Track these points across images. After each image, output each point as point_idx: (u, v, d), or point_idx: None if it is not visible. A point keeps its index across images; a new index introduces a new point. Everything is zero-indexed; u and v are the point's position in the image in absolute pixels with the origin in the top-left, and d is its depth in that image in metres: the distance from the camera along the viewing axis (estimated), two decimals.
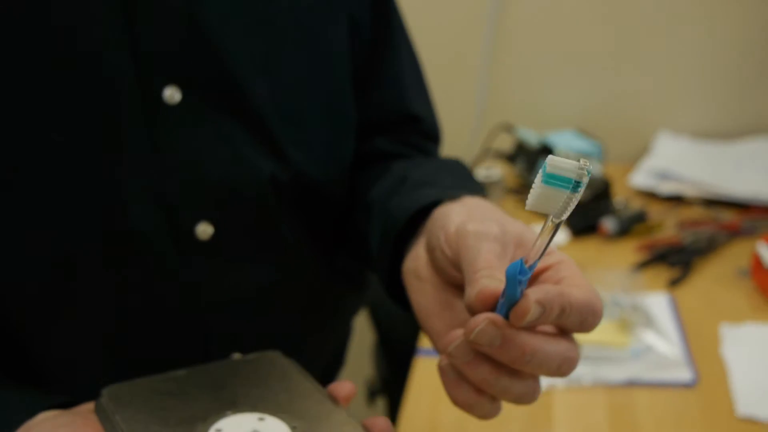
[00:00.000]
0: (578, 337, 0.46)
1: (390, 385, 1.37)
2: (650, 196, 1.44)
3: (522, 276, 0.40)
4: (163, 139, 0.52)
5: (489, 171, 1.47)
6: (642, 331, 1.00)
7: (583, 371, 0.94)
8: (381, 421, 0.46)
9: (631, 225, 1.32)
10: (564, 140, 1.53)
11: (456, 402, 0.47)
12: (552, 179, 0.35)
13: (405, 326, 1.26)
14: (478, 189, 0.57)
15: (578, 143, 1.52)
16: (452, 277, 0.50)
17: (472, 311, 0.43)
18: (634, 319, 1.01)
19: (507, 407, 0.69)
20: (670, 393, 0.91)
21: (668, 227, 1.32)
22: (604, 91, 1.62)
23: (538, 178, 0.35)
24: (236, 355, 0.52)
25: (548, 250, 0.44)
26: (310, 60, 0.58)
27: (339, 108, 0.60)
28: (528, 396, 0.47)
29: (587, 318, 0.43)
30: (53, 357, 0.54)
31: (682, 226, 1.31)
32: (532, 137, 1.47)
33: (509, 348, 0.42)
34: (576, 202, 0.36)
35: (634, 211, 1.34)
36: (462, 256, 0.47)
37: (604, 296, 1.07)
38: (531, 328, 0.43)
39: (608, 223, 1.30)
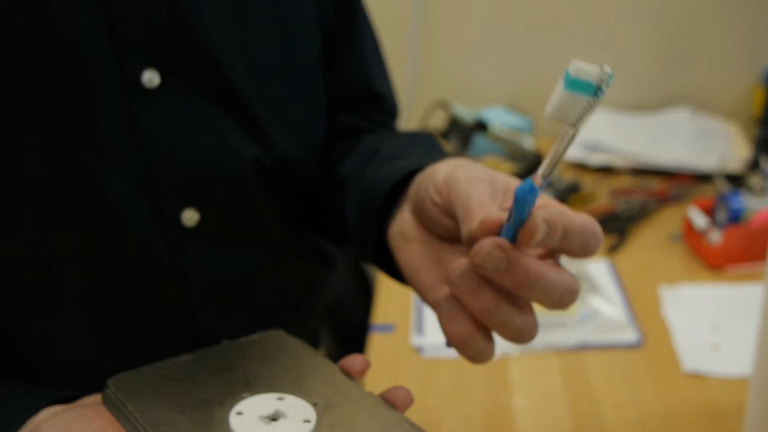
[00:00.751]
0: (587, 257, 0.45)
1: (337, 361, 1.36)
2: (581, 167, 1.48)
3: (531, 195, 0.39)
4: (144, 125, 0.51)
5: None
6: (588, 297, 1.03)
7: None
8: (402, 391, 0.45)
9: (566, 196, 1.35)
10: (496, 116, 1.55)
11: (451, 337, 0.46)
12: (574, 85, 0.35)
13: (355, 306, 1.27)
14: (448, 157, 0.58)
15: (510, 119, 1.55)
16: (443, 228, 0.49)
17: (473, 243, 0.42)
18: (580, 286, 1.04)
19: (464, 377, 0.70)
20: (619, 354, 0.94)
21: (601, 197, 1.36)
22: (532, 67, 1.65)
23: (560, 85, 0.35)
24: (225, 342, 0.51)
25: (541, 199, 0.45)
26: (282, 41, 0.57)
27: (311, 89, 0.60)
28: (526, 332, 0.46)
29: (589, 240, 0.43)
30: (39, 351, 0.51)
31: (614, 195, 1.35)
32: (466, 114, 1.48)
33: (515, 271, 0.41)
34: (594, 110, 0.36)
35: (567, 183, 1.38)
36: (454, 200, 0.46)
37: None
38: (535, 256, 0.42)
39: (544, 195, 1.33)
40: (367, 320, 1.05)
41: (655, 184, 1.38)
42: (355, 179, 0.59)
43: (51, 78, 0.47)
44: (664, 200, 1.33)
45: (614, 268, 1.12)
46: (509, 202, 0.46)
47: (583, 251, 0.43)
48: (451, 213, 0.47)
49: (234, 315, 0.57)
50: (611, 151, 1.47)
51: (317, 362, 0.49)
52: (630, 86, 1.65)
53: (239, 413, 0.42)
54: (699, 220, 1.14)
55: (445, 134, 1.54)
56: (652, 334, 0.97)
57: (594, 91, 0.36)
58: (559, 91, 0.35)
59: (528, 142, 1.45)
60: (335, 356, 1.43)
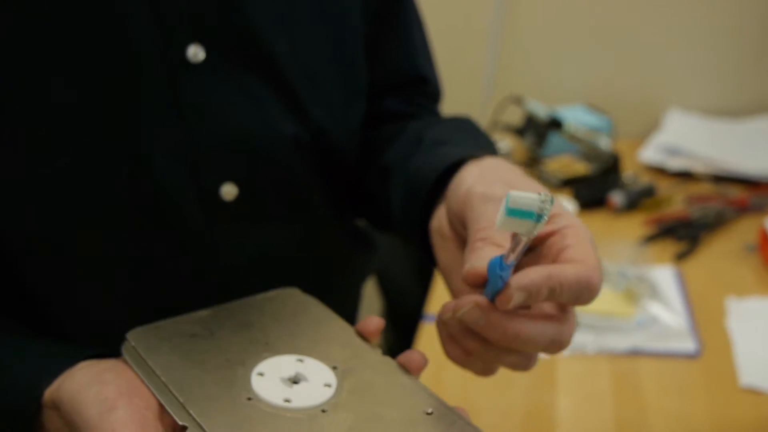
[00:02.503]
0: (585, 306, 0.46)
1: (397, 353, 1.38)
2: (659, 171, 1.44)
3: (502, 272, 0.41)
4: (187, 99, 0.52)
5: (498, 144, 1.48)
6: (647, 302, 1.00)
7: (587, 340, 0.95)
8: (415, 355, 0.46)
9: (640, 199, 1.32)
10: (573, 115, 1.52)
11: (449, 357, 0.49)
12: (514, 213, 0.37)
13: (412, 294, 1.27)
14: (492, 146, 0.58)
15: (587, 118, 1.52)
16: (464, 239, 0.50)
17: (466, 283, 0.45)
18: (639, 291, 1.02)
19: (509, 373, 0.69)
20: (674, 363, 0.92)
21: (676, 202, 1.32)
22: (616, 67, 1.61)
23: (501, 209, 0.37)
24: (243, 298, 0.51)
25: (559, 212, 0.47)
26: (325, 21, 0.58)
27: (353, 70, 0.60)
28: (521, 365, 0.48)
29: (581, 295, 0.43)
30: (71, 315, 0.53)
31: (690, 201, 1.31)
32: (541, 111, 1.46)
33: (493, 330, 0.43)
34: (542, 227, 0.37)
35: (642, 186, 1.34)
36: (466, 217, 0.48)
37: (611, 268, 1.07)
38: (520, 309, 0.44)
39: (616, 197, 1.30)
40: (421, 310, 1.05)
41: (735, 193, 1.33)
42: (400, 167, 0.59)
43: (97, 52, 0.48)
44: (742, 209, 1.28)
45: (680, 276, 1.09)
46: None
47: (576, 303, 0.44)
48: (467, 228, 0.48)
49: (268, 290, 0.58)
50: (691, 155, 1.42)
51: (334, 323, 0.49)
52: (714, 91, 1.59)
53: (260, 374, 0.43)
54: None
55: (521, 130, 1.52)
56: (711, 346, 0.94)
57: (535, 217, 0.37)
58: (501, 215, 0.37)
59: (605, 143, 1.41)
60: (391, 343, 1.44)
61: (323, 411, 0.41)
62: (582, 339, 0.95)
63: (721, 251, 1.17)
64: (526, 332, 0.44)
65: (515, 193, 0.36)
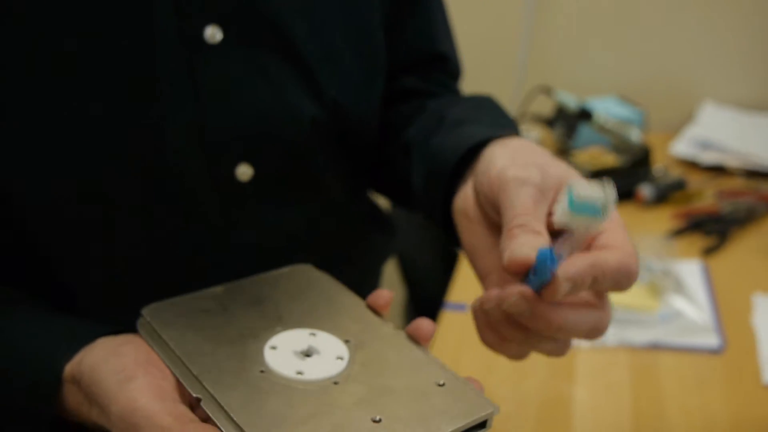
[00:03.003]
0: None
1: None
2: (691, 165, 1.42)
3: (552, 264, 0.41)
4: (204, 79, 0.52)
5: (527, 134, 1.46)
6: (671, 297, 0.99)
7: (607, 332, 0.94)
8: (424, 323, 0.46)
9: (669, 192, 1.30)
10: (605, 106, 1.51)
11: (484, 342, 0.49)
12: (579, 209, 0.36)
13: (434, 281, 1.27)
14: (514, 125, 0.57)
15: (619, 110, 1.50)
16: (496, 221, 0.50)
17: (507, 271, 0.45)
18: (664, 284, 1.01)
19: (527, 362, 0.70)
20: (696, 358, 0.90)
21: (707, 197, 1.30)
22: (649, 58, 1.59)
23: (564, 204, 0.35)
24: (256, 275, 0.52)
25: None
26: (342, 1, 0.58)
27: (370, 49, 0.60)
28: (557, 351, 0.49)
29: (621, 281, 0.44)
30: (86, 292, 0.54)
31: (721, 196, 1.29)
32: (571, 101, 1.45)
33: (538, 320, 0.44)
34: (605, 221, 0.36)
35: (673, 179, 1.32)
36: (501, 201, 0.47)
37: None
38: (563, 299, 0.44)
39: (645, 190, 1.29)
40: (442, 298, 1.05)
41: None
42: (421, 145, 0.59)
43: (115, 32, 0.49)
44: None
45: (707, 271, 1.08)
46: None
47: (615, 289, 0.44)
48: (499, 211, 0.48)
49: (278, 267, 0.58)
50: (724, 150, 1.40)
51: (346, 298, 0.50)
52: (749, 84, 1.56)
53: (273, 347, 0.44)
54: None
55: (550, 121, 1.51)
56: (735, 342, 0.93)
57: (600, 213, 0.36)
58: (563, 211, 0.36)
59: (636, 135, 1.40)
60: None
61: (335, 383, 0.42)
62: None
63: (750, 247, 1.15)
64: (570, 322, 0.44)
65: (579, 189, 0.36)
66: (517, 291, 0.43)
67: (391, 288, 1.35)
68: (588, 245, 0.45)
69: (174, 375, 0.42)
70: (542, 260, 0.41)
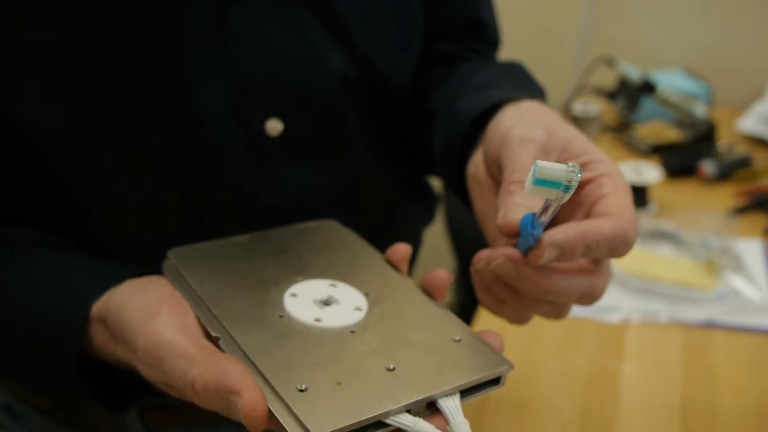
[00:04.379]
0: (661, 275, 0.45)
1: (469, 312, 1.37)
2: (758, 142, 1.37)
3: (533, 230, 0.41)
4: (235, 32, 0.51)
5: (587, 106, 1.43)
6: (729, 275, 0.96)
7: (660, 308, 0.92)
8: (440, 273, 0.46)
9: (733, 169, 1.26)
10: (669, 80, 1.46)
11: (482, 303, 0.49)
12: (541, 183, 0.36)
13: None
14: (539, 92, 0.56)
15: (685, 84, 1.46)
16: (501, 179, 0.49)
17: (501, 234, 0.44)
18: (721, 262, 0.98)
19: (575, 336, 0.68)
20: (751, 338, 0.88)
21: None
22: (717, 32, 1.54)
23: (530, 177, 0.36)
24: (282, 227, 0.52)
25: (594, 158, 0.46)
26: None
27: (408, 10, 0.59)
28: (554, 314, 0.48)
29: (617, 249, 0.43)
30: (108, 240, 0.54)
31: None
32: (635, 74, 1.41)
33: (525, 282, 0.44)
34: (570, 196, 0.37)
35: (738, 156, 1.28)
36: (503, 160, 0.47)
37: (693, 237, 1.03)
38: (554, 262, 0.43)
39: (708, 166, 1.25)
40: None
41: None
42: (444, 110, 0.58)
43: None
44: None
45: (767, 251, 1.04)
46: (567, 159, 0.46)
47: (611, 256, 0.44)
48: (501, 171, 0.48)
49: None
50: None
51: (369, 254, 0.50)
52: None
53: (293, 295, 0.44)
54: None
55: (612, 94, 1.47)
56: None
57: (563, 187, 0.36)
58: (528, 183, 0.37)
59: (701, 110, 1.35)
60: (463, 299, 1.43)
61: (352, 332, 0.42)
62: (655, 307, 0.92)
63: None
64: (559, 286, 0.44)
65: (543, 163, 0.36)
66: (503, 252, 0.43)
67: (442, 258, 1.35)
68: (587, 211, 0.45)
69: (195, 314, 0.42)
70: (523, 225, 0.42)
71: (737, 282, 0.95)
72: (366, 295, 0.45)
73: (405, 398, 0.37)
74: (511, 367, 0.40)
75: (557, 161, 0.46)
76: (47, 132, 0.49)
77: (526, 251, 0.43)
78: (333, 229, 0.53)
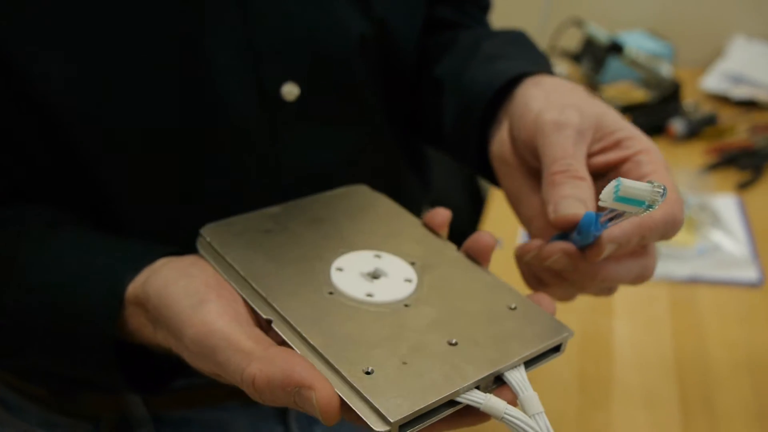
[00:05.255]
0: None
1: None
2: (722, 100, 1.39)
3: (596, 231, 0.41)
4: None
5: (553, 69, 1.43)
6: (709, 231, 0.98)
7: None
8: (484, 237, 0.44)
9: (701, 128, 1.28)
10: (634, 40, 1.47)
11: (528, 286, 0.49)
12: (623, 200, 0.35)
13: (462, 221, 1.26)
14: (547, 62, 0.56)
15: (648, 44, 1.47)
16: (535, 166, 0.49)
17: (554, 228, 0.44)
18: (700, 219, 0.99)
19: None
20: (735, 291, 0.89)
21: (739, 131, 1.27)
22: None
23: (609, 190, 0.35)
24: (311, 195, 0.50)
25: (628, 134, 0.46)
26: None
27: None
28: (603, 294, 0.49)
29: (668, 232, 0.43)
30: (127, 218, 0.52)
31: (754, 130, 1.26)
32: (601, 35, 1.41)
33: (581, 275, 0.44)
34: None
35: (704, 114, 1.30)
36: (539, 146, 0.47)
37: None
38: None
39: (677, 125, 1.26)
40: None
41: None
42: (453, 80, 0.57)
43: None
44: None
45: (743, 205, 1.06)
46: (601, 141, 0.46)
47: (662, 239, 0.44)
48: (538, 157, 0.47)
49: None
50: (756, 84, 1.36)
51: (406, 218, 0.48)
52: None
53: (339, 269, 0.42)
54: None
55: (578, 56, 1.47)
56: None
57: (645, 206, 0.36)
58: (607, 197, 0.35)
59: (666, 70, 1.36)
60: None
61: (406, 305, 0.40)
62: None
63: None
64: (615, 273, 0.44)
65: (627, 182, 0.35)
66: (560, 248, 0.43)
67: None
68: None
69: (242, 297, 0.40)
70: (586, 224, 0.41)
71: (717, 237, 0.97)
72: (412, 264, 0.44)
73: (473, 375, 0.36)
74: (572, 333, 0.39)
75: (592, 141, 0.47)
76: (61, 100, 0.46)
77: (579, 244, 0.43)
78: (365, 194, 0.51)
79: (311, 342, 0.37)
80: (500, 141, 0.52)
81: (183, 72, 0.48)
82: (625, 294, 0.89)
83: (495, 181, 0.55)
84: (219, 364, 0.37)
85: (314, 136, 0.55)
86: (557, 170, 0.45)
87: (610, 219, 0.39)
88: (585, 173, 0.45)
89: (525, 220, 0.50)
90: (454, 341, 0.38)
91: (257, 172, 0.53)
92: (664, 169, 0.45)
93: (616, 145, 0.47)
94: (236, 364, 0.36)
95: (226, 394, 0.60)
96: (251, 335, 0.37)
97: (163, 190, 0.51)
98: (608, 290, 0.49)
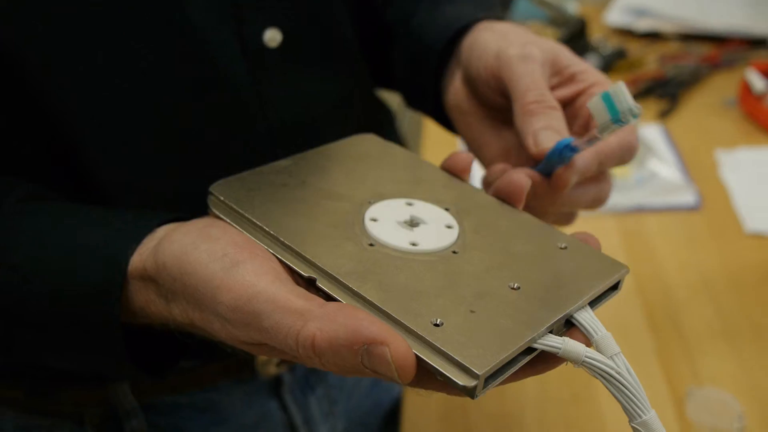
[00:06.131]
0: None
1: None
2: (627, 33, 1.42)
3: (569, 153, 0.43)
4: None
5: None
6: (643, 160, 1.00)
7: None
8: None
9: (612, 62, 1.30)
10: None
11: None
12: (607, 101, 0.37)
13: None
14: (495, 6, 0.56)
15: None
16: (497, 105, 0.50)
17: (534, 157, 0.45)
18: None
19: None
20: (678, 216, 0.92)
21: (649, 62, 1.30)
22: None
23: (600, 92, 0.38)
24: (320, 147, 0.47)
25: (582, 69, 0.48)
26: None
27: None
28: (563, 221, 0.50)
29: (624, 157, 0.46)
30: (121, 188, 0.47)
31: (663, 61, 1.30)
32: None
33: (541, 201, 0.46)
34: (615, 131, 0.39)
35: (613, 49, 1.32)
36: (507, 80, 0.47)
37: None
38: None
39: (590, 61, 1.28)
40: None
41: (705, 51, 1.32)
42: (402, 26, 0.56)
43: None
44: (715, 66, 1.27)
45: (667, 133, 1.09)
46: (557, 76, 0.48)
47: (620, 164, 0.46)
48: (504, 93, 0.48)
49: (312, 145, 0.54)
50: (658, 16, 1.40)
51: (426, 166, 0.45)
52: None
53: (374, 219, 0.39)
54: (758, 83, 1.09)
55: None
56: (710, 197, 0.95)
57: (615, 117, 0.38)
58: (597, 96, 0.38)
59: (572, 7, 1.38)
60: None
61: (454, 252, 0.38)
62: None
63: (702, 107, 1.17)
64: (573, 197, 0.46)
65: (622, 88, 0.37)
66: (526, 173, 0.44)
67: None
68: (585, 123, 0.47)
69: (276, 256, 0.36)
70: (559, 150, 0.43)
71: (652, 165, 0.99)
72: (447, 210, 0.41)
73: (546, 318, 0.33)
74: (628, 270, 0.38)
75: (550, 76, 0.48)
76: (31, 56, 0.41)
77: (547, 173, 0.44)
78: (375, 143, 0.47)
79: (367, 297, 0.33)
80: (454, 91, 0.52)
81: (162, 24, 0.44)
82: (576, 228, 0.90)
83: (453, 129, 0.55)
84: (265, 330, 0.32)
85: (299, 84, 0.52)
86: (531, 100, 0.45)
87: (585, 142, 0.41)
88: (556, 103, 0.46)
89: (486, 162, 0.51)
90: (516, 285, 0.35)
91: (243, 124, 0.50)
92: None
93: (571, 79, 0.48)
94: (288, 327, 0.32)
95: (215, 374, 0.57)
96: (300, 294, 0.33)
97: (143, 147, 0.47)
98: (567, 218, 0.50)
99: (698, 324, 0.76)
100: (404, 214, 0.40)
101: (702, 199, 0.94)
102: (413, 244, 0.38)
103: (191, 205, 0.41)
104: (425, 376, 0.32)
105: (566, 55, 0.48)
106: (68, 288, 0.39)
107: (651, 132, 1.09)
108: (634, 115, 0.37)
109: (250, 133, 0.50)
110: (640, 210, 0.93)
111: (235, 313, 0.33)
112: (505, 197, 0.43)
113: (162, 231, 0.39)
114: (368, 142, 0.47)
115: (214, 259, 0.34)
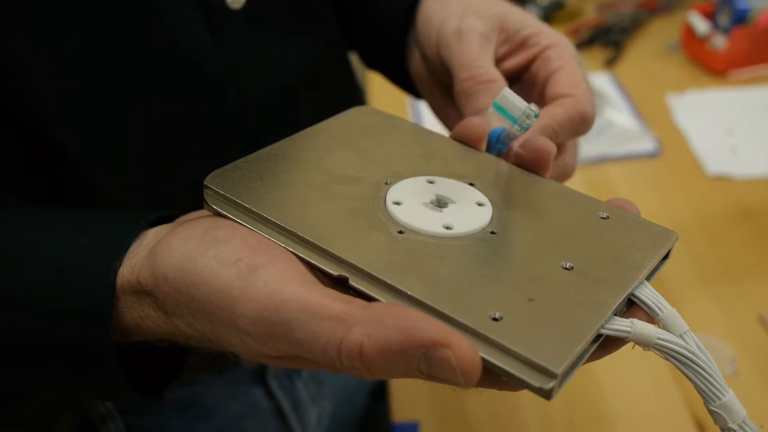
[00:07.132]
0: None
1: None
2: None
3: (498, 144, 0.40)
4: None
5: None
6: (598, 108, 0.98)
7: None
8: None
9: (551, 13, 1.28)
10: None
11: None
12: (500, 109, 0.36)
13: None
14: None
15: None
16: (448, 82, 0.47)
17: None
18: None
19: None
20: (639, 163, 0.91)
21: (588, 11, 1.29)
22: None
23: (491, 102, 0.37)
24: (315, 126, 0.42)
25: (535, 31, 0.46)
26: None
27: None
28: None
29: (578, 129, 0.42)
30: (82, 173, 0.41)
31: (601, 9, 1.28)
32: None
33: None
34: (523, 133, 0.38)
35: (550, 0, 1.30)
36: (446, 60, 0.45)
37: None
38: None
39: (531, 12, 1.26)
40: None
41: None
42: None
43: None
44: (653, 10, 1.27)
45: (617, 81, 1.07)
46: (507, 43, 0.46)
47: (575, 136, 0.44)
48: (449, 72, 0.46)
49: (290, 116, 0.49)
50: None
51: (434, 137, 0.41)
52: None
53: (397, 203, 0.34)
54: (701, 25, 1.09)
55: None
56: (668, 142, 0.94)
57: (517, 123, 0.36)
58: (491, 108, 0.37)
59: None
60: None
61: (492, 233, 0.34)
62: None
63: (646, 53, 1.16)
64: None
65: (508, 93, 0.36)
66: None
67: None
68: (541, 90, 0.44)
69: (296, 255, 0.31)
70: (492, 138, 0.40)
71: (608, 113, 0.97)
72: (472, 185, 0.37)
73: (610, 300, 0.30)
74: (677, 235, 0.35)
75: (498, 44, 0.46)
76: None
77: (496, 152, 0.41)
78: (375, 115, 0.42)
79: (411, 294, 0.29)
80: (415, 62, 0.51)
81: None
82: None
83: (418, 95, 0.54)
84: (298, 341, 0.28)
85: (267, 49, 0.47)
86: (466, 77, 0.43)
87: (508, 138, 0.39)
88: (495, 74, 0.43)
89: (451, 125, 0.49)
90: (568, 265, 0.32)
91: (209, 98, 0.44)
92: (574, 62, 0.44)
93: (523, 44, 0.45)
94: (328, 336, 0.27)
95: (194, 367, 0.52)
96: (335, 296, 0.28)
97: (116, 129, 0.41)
98: None
99: (676, 272, 0.75)
100: (429, 194, 0.36)
101: (661, 145, 0.93)
102: (447, 228, 0.33)
103: (171, 191, 0.36)
104: (489, 377, 0.28)
105: (514, 19, 0.46)
106: (45, 314, 0.33)
107: (601, 81, 1.07)
108: (535, 115, 0.36)
109: (223, 105, 0.44)
110: (602, 160, 0.91)
111: (259, 326, 0.28)
112: (530, 165, 0.38)
113: (151, 235, 0.33)
114: (368, 115, 0.43)
115: (226, 265, 0.30)
